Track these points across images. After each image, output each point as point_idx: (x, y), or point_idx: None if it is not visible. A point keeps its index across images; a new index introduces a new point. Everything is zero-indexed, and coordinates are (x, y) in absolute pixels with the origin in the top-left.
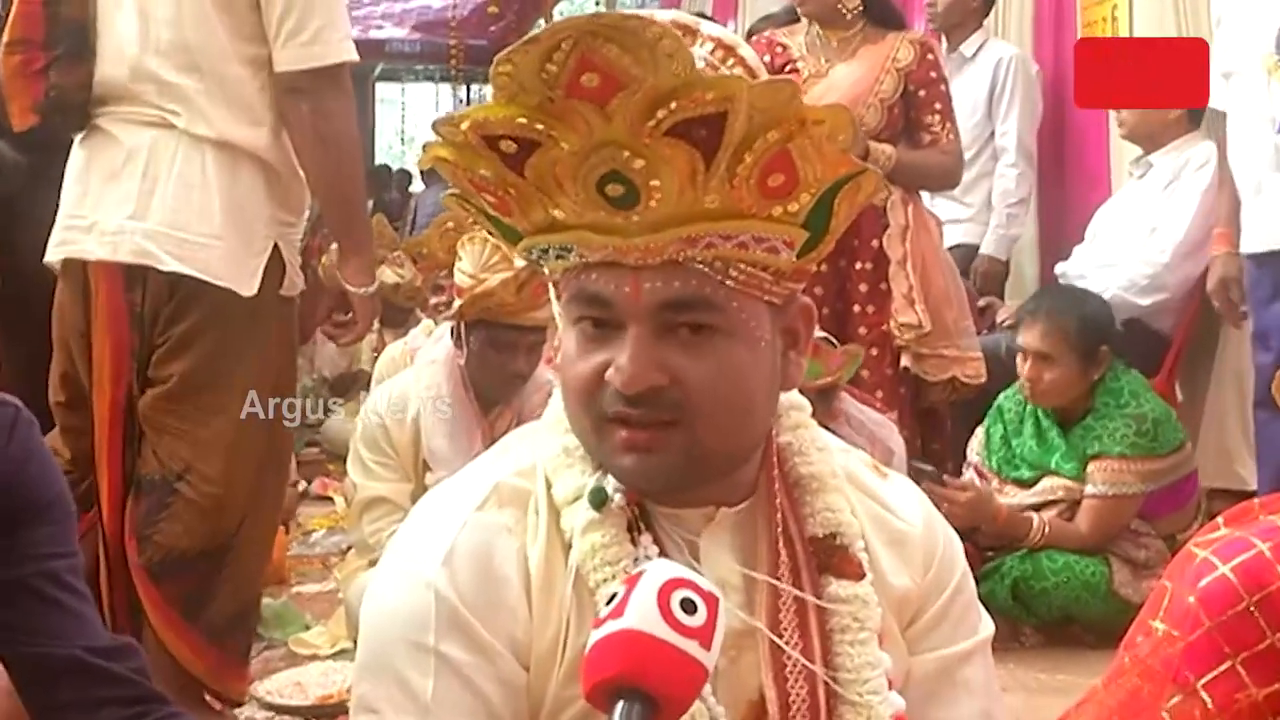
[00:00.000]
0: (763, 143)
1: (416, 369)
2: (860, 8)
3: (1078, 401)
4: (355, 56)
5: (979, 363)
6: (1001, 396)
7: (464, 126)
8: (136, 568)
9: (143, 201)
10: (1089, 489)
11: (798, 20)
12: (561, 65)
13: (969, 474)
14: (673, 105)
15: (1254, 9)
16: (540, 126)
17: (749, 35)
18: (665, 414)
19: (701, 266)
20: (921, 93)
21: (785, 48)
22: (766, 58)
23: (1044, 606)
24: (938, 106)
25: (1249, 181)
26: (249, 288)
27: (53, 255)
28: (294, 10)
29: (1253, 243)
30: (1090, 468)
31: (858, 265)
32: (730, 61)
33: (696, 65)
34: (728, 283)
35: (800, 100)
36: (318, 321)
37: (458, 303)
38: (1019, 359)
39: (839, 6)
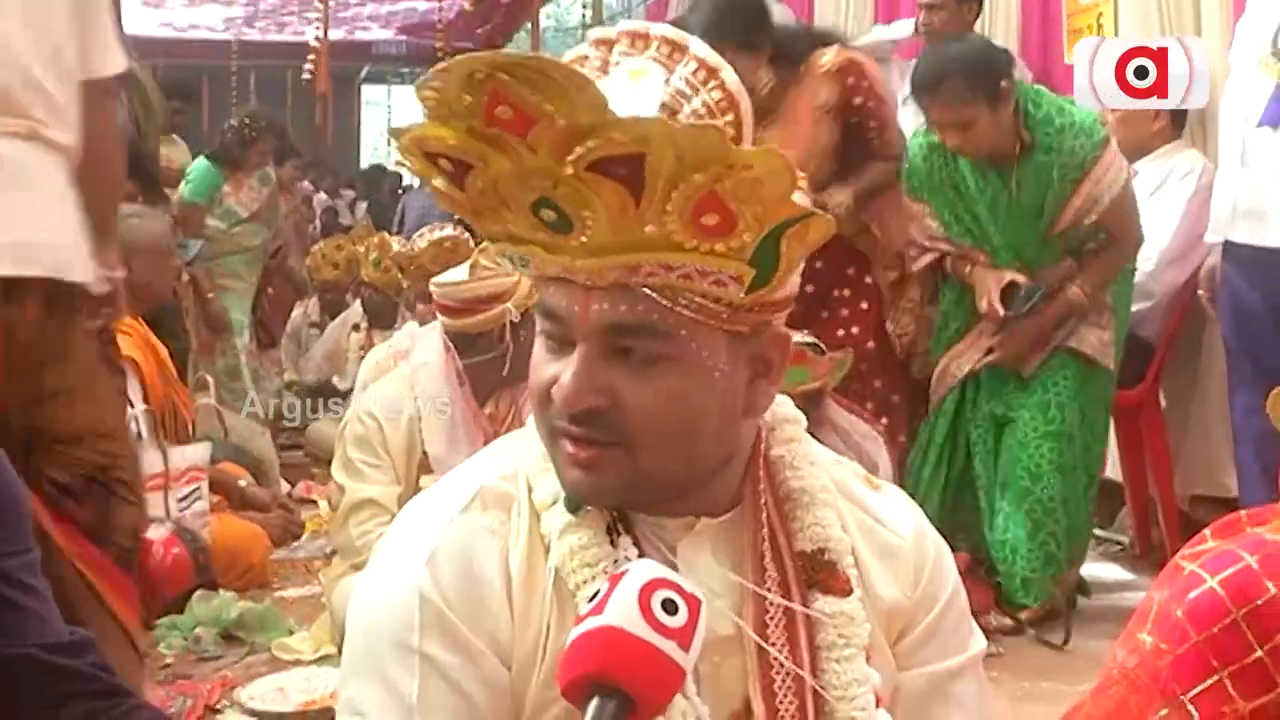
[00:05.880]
0: (688, 185)
1: (410, 371)
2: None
3: (1011, 141)
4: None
5: None
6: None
7: (405, 140)
8: (106, 565)
9: (32, 213)
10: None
11: None
12: (476, 96)
13: None
14: (589, 143)
15: (1260, 8)
16: (470, 149)
17: None
18: (604, 435)
19: (650, 292)
20: (855, 120)
21: None
22: None
23: None
24: (873, 124)
25: (1221, 172)
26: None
27: None
28: (107, 20)
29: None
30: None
31: (835, 292)
32: (711, 84)
33: (611, 104)
34: (678, 310)
35: (727, 145)
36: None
37: (505, 308)
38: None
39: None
